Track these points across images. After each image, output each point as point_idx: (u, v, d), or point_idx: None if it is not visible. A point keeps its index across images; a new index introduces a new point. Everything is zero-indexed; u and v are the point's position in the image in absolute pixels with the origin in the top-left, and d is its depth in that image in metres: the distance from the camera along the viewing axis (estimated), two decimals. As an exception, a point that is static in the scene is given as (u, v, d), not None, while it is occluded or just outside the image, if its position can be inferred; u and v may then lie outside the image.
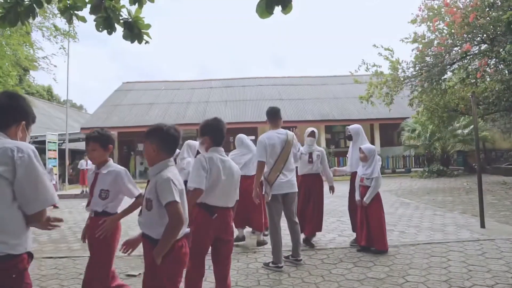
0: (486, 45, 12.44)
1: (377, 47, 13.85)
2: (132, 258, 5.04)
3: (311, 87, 24.23)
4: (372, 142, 20.86)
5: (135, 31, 4.49)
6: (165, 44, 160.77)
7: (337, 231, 6.37)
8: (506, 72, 10.95)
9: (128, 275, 4.31)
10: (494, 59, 12.02)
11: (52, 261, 5.02)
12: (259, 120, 19.61)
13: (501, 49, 11.04)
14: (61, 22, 11.78)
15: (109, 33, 4.54)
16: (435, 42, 12.90)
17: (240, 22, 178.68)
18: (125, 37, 4.52)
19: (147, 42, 4.61)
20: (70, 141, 22.09)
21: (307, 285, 3.79)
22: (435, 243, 5.15)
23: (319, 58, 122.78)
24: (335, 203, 9.81)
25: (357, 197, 4.99)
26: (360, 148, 5.06)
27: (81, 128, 20.12)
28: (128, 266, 4.69)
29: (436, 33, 12.92)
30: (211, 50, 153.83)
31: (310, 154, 5.43)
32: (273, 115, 4.65)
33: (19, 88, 13.04)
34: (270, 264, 4.36)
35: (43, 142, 15.78)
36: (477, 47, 12.95)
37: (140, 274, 4.33)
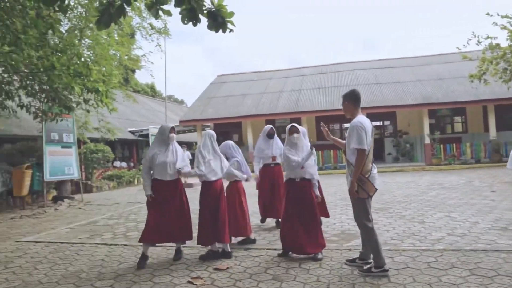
0: None
1: (492, 15, 12.05)
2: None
3: (411, 69, 22.28)
4: (486, 126, 18.53)
5: (219, 20, 4.38)
6: (253, 38, 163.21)
7: (446, 229, 5.61)
8: None
9: (216, 269, 4.25)
10: None
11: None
12: (354, 106, 18.64)
13: None
14: (157, 22, 12.45)
15: (194, 24, 4.50)
16: None
17: (326, 9, 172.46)
18: (210, 27, 4.43)
19: (231, 30, 4.47)
20: (171, 133, 23.60)
21: (411, 293, 3.30)
22: None
23: (416, 39, 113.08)
24: (443, 196, 8.83)
25: None
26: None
27: (180, 121, 21.31)
28: (218, 259, 4.64)
29: None
30: (299, 41, 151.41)
31: None
32: (358, 98, 4.09)
33: (124, 88, 14.18)
34: (373, 269, 3.81)
35: (147, 136, 17.03)
36: None
37: (228, 268, 4.25)
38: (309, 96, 21.02)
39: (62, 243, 5.96)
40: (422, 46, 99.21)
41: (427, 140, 18.14)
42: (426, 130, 18.32)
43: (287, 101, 20.87)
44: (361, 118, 3.99)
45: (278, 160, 6.33)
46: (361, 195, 3.87)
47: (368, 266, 3.91)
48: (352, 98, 4.10)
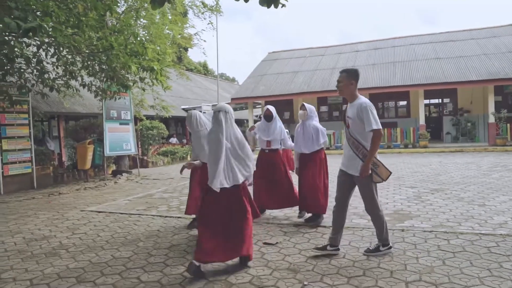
0: None
1: None
2: (271, 225, 5.09)
3: (476, 41, 20.67)
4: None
5: (271, -5, 4.30)
6: (305, 14, 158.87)
7: (509, 213, 5.27)
8: None
9: (266, 243, 4.33)
10: None
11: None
12: (410, 83, 17.78)
13: None
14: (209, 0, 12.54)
15: (246, 0, 4.45)
16: None
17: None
18: (262, 2, 4.36)
19: (283, 5, 4.38)
20: (223, 111, 23.98)
21: (467, 278, 3.16)
22: None
23: (481, 10, 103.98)
24: (507, 178, 8.27)
25: None
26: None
27: (232, 99, 21.52)
28: (267, 234, 4.73)
29: None
30: (351, 17, 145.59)
31: None
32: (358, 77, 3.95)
33: (178, 66, 14.51)
34: (381, 248, 3.82)
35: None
36: None
37: (277, 243, 4.32)
38: (363, 72, 20.23)
39: (121, 213, 6.36)
40: (489, 18, 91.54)
41: (492, 119, 16.93)
42: (491, 108, 17.07)
43: (339, 78, 20.29)
44: (365, 98, 3.85)
45: (276, 146, 5.60)
46: (375, 180, 3.75)
47: (375, 245, 3.89)
48: (357, 78, 3.91)
